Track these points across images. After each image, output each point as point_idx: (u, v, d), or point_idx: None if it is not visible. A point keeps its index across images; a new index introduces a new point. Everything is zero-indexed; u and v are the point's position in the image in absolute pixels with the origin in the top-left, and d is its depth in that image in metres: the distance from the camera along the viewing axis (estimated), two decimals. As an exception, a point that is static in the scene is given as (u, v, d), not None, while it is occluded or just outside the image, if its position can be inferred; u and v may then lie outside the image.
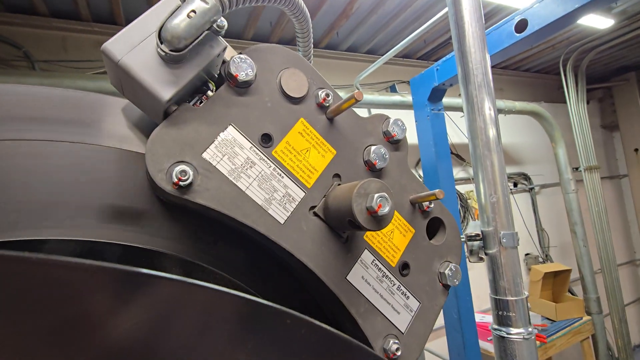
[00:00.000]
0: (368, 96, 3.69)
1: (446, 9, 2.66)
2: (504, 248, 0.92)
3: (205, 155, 0.55)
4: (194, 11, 0.49)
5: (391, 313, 0.68)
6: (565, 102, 4.90)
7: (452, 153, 4.25)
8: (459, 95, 4.25)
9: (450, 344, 2.71)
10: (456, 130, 4.52)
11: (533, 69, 5.64)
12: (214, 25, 0.52)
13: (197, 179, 0.54)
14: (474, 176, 1.01)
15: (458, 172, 4.69)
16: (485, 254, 0.95)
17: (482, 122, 0.96)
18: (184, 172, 0.52)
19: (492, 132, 0.95)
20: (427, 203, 0.73)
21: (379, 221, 0.54)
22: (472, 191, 4.79)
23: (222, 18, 0.52)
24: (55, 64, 2.79)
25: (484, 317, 4.04)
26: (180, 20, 0.48)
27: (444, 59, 2.92)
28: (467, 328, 2.65)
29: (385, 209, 0.53)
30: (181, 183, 0.52)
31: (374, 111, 3.79)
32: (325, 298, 0.66)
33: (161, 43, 0.49)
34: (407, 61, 4.62)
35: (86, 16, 2.91)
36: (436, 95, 3.14)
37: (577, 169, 4.84)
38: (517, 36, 2.41)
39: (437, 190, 0.66)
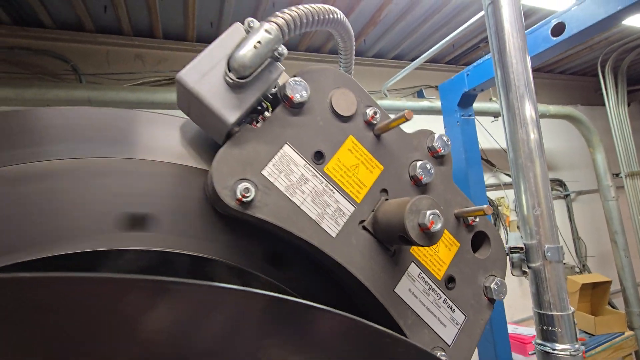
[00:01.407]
0: (396, 102, 3.68)
1: (478, 15, 2.63)
2: (548, 262, 0.91)
3: (264, 172, 0.59)
4: (259, 42, 0.53)
5: (438, 326, 0.69)
6: (603, 104, 4.68)
7: (482, 159, 4.16)
8: (490, 99, 4.16)
9: (482, 356, 2.64)
10: (486, 135, 4.42)
11: (568, 70, 5.43)
12: (275, 53, 0.55)
13: (258, 195, 0.57)
14: (515, 187, 1.00)
15: (488, 178, 4.57)
16: (528, 267, 0.94)
17: (524, 133, 0.95)
18: (247, 189, 0.56)
19: (535, 144, 0.94)
20: (472, 217, 0.74)
21: (430, 237, 0.56)
22: (502, 198, 4.65)
23: (282, 46, 0.56)
24: (99, 76, 2.97)
25: (516, 328, 3.90)
26: (247, 51, 0.52)
27: (474, 64, 2.87)
28: (499, 340, 2.58)
29: (438, 226, 0.55)
30: (244, 199, 0.56)
31: (402, 117, 3.77)
32: (373, 309, 0.68)
33: (229, 71, 0.53)
34: (435, 66, 4.57)
35: (127, 31, 3.09)
36: (466, 100, 3.09)
37: (617, 175, 4.59)
38: (553, 40, 2.34)
39: (485, 206, 0.66)
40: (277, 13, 0.57)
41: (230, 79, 0.53)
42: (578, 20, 2.19)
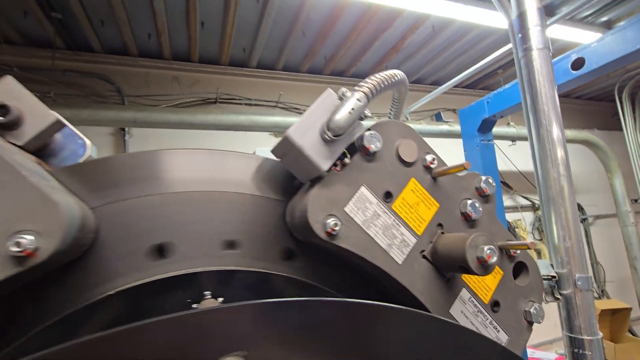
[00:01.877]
0: (416, 125, 3.81)
1: (504, 49, 2.76)
2: (578, 290, 1.01)
3: (346, 209, 0.72)
4: (353, 109, 0.66)
5: (485, 344, 0.79)
6: (621, 129, 4.73)
7: (500, 181, 4.23)
8: (508, 124, 4.21)
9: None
10: (504, 158, 4.50)
11: (585, 96, 5.51)
12: (362, 115, 0.69)
13: (342, 228, 0.70)
14: (546, 218, 1.11)
15: (506, 200, 4.63)
16: (560, 294, 1.04)
17: (556, 172, 1.06)
18: (336, 224, 0.68)
19: (566, 183, 1.05)
20: (514, 249, 0.85)
21: (486, 268, 0.68)
22: (519, 220, 4.69)
23: (367, 109, 0.70)
24: (140, 97, 3.19)
25: (534, 352, 3.89)
26: (343, 116, 0.66)
27: (495, 92, 3.00)
28: (520, 363, 2.60)
29: (494, 259, 0.66)
30: (333, 232, 0.68)
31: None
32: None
33: (327, 130, 0.67)
34: (454, 90, 4.71)
35: (167, 55, 3.32)
36: (486, 126, 3.21)
37: (636, 200, 4.61)
38: (573, 73, 2.46)
39: (529, 242, 0.78)
40: (362, 83, 0.71)
41: (328, 137, 0.66)
42: (598, 55, 2.31)
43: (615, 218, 4.64)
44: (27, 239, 0.50)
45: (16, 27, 2.72)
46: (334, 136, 0.67)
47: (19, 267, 0.51)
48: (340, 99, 0.69)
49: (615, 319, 4.14)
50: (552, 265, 1.09)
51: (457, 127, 3.88)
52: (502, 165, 4.56)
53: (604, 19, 3.20)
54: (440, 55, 3.83)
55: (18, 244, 0.50)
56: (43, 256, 0.52)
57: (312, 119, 0.68)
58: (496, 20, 2.99)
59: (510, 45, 2.42)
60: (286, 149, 0.71)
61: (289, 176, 0.84)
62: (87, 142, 0.88)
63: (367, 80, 0.72)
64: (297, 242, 0.79)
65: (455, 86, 4.71)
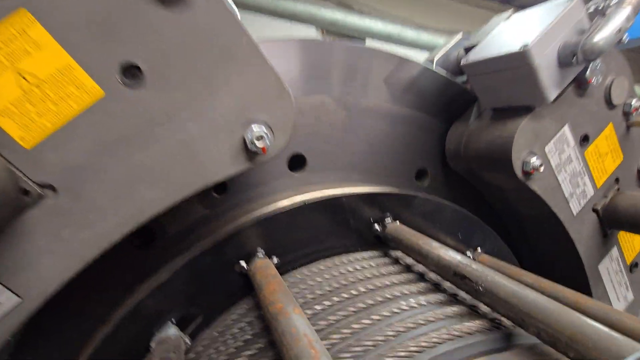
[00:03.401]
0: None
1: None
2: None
3: (546, 148, 0.63)
4: (620, 30, 0.52)
5: (615, 301, 0.80)
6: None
7: None
8: None
9: None
10: None
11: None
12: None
13: (540, 169, 0.63)
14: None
15: None
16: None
17: None
18: (541, 164, 0.60)
19: None
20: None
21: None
22: None
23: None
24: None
25: None
26: (605, 37, 0.52)
27: None
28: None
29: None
30: (533, 174, 0.61)
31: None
32: (569, 278, 0.78)
33: (574, 52, 0.54)
34: None
35: None
36: None
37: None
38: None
39: None
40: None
41: (570, 60, 0.54)
42: None
43: None
44: (264, 133, 0.42)
45: None
46: (580, 61, 0.54)
47: (249, 163, 0.43)
48: (594, 14, 0.54)
49: None
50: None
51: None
52: None
53: None
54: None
55: (259, 138, 0.41)
56: (271, 154, 0.44)
57: (554, 35, 0.55)
58: None
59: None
60: (507, 65, 0.58)
61: (442, 91, 0.74)
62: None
63: (631, -8, 0.55)
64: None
65: None
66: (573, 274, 0.76)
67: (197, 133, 0.38)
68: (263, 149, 0.42)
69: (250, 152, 0.42)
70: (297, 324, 0.35)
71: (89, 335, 0.51)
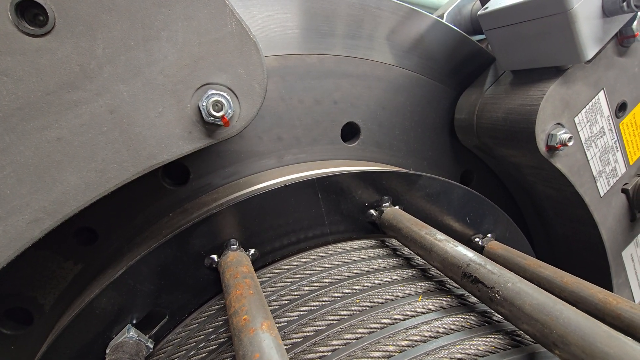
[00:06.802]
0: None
1: None
2: None
3: (576, 119, 0.53)
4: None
5: (635, 288, 0.73)
6: None
7: None
8: None
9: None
10: None
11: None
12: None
13: (568, 143, 0.53)
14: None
15: None
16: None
17: None
18: (570, 138, 0.51)
19: None
20: None
21: None
22: None
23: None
24: None
25: None
26: (670, -29, 0.41)
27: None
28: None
29: None
30: (559, 150, 0.51)
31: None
32: (588, 264, 0.70)
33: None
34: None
35: None
36: None
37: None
38: None
39: None
40: None
41: (626, 5, 0.42)
42: None
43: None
44: (224, 99, 0.32)
45: None
46: (635, 4, 0.43)
47: (207, 139, 0.34)
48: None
49: None
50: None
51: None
52: None
53: None
54: None
55: (217, 106, 0.32)
56: (237, 126, 0.35)
57: (606, -29, 0.43)
58: None
59: None
60: (537, 13, 0.47)
61: (450, 53, 0.63)
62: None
63: None
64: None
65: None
66: (593, 260, 0.68)
67: (129, 98, 0.29)
68: (224, 119, 0.33)
69: (208, 125, 0.33)
70: (263, 346, 0.28)
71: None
